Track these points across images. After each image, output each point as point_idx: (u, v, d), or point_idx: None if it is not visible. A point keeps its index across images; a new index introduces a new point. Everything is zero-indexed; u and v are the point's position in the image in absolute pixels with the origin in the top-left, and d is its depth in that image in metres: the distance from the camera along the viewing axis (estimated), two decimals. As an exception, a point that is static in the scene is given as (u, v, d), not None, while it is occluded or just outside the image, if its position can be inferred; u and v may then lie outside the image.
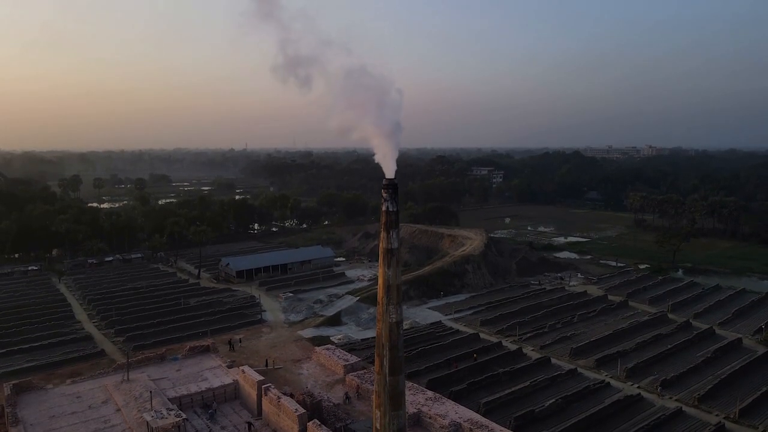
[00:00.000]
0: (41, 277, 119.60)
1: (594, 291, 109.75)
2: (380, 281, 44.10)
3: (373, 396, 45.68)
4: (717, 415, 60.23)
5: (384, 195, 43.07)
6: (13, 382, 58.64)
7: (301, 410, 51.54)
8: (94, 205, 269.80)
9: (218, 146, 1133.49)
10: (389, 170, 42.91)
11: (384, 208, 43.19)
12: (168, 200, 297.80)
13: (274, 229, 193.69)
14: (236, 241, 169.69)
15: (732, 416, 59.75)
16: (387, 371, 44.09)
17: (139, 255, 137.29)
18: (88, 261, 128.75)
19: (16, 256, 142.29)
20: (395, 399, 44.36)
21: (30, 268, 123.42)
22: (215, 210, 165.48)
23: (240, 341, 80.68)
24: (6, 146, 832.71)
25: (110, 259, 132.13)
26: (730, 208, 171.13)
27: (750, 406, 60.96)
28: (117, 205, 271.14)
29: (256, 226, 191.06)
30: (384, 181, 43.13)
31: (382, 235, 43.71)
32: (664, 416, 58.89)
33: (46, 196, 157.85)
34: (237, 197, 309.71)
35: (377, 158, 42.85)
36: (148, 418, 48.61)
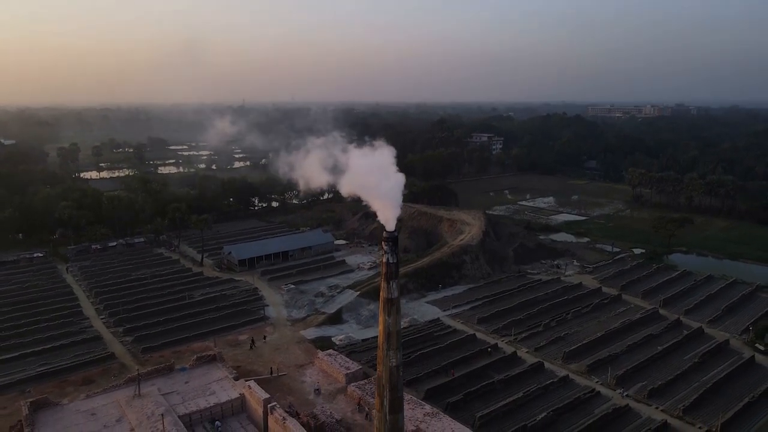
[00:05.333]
0: (47, 265, 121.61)
1: (589, 282, 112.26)
2: (380, 328, 46.07)
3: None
4: (700, 428, 63.46)
5: (384, 247, 44.57)
6: (30, 399, 61.26)
7: (306, 434, 54.43)
8: (94, 174, 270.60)
9: (216, 100, 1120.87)
10: (390, 226, 44.26)
11: (384, 260, 44.77)
12: (167, 166, 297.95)
13: (274, 204, 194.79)
14: (237, 219, 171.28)
15: (714, 429, 62.96)
16: (387, 410, 46.64)
17: (142, 239, 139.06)
18: (92, 246, 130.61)
19: (20, 236, 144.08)
20: (395, 435, 47.10)
21: (35, 255, 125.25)
22: (216, 190, 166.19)
23: (264, 338, 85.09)
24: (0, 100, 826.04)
25: (114, 244, 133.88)
26: (727, 187, 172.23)
27: (731, 420, 64.06)
28: (116, 174, 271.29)
29: (256, 201, 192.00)
30: (384, 234, 44.57)
31: (382, 285, 45.42)
32: (649, 431, 62.07)
33: (46, 176, 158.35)
34: (237, 165, 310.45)
35: (379, 218, 44.33)
36: (162, 446, 51.49)
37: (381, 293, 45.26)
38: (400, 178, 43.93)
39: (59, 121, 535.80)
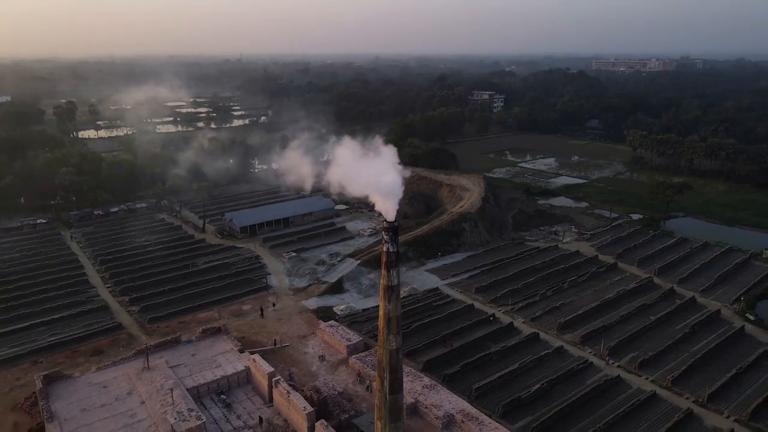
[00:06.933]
0: (51, 232, 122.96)
1: (586, 249, 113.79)
2: (381, 313, 47.53)
3: (375, 409, 50.63)
4: (687, 398, 66.08)
5: (385, 237, 45.55)
6: (43, 373, 63.64)
7: (310, 408, 56.83)
8: (92, 133, 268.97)
9: (212, 53, 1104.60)
10: (390, 217, 45.11)
11: (384, 249, 45.81)
12: (165, 125, 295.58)
13: (274, 166, 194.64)
14: (237, 182, 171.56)
15: (701, 400, 65.62)
16: (387, 391, 48.61)
17: (144, 204, 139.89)
18: (95, 212, 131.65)
19: (22, 200, 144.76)
20: (395, 413, 49.29)
21: (39, 221, 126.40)
22: (216, 154, 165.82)
23: (274, 305, 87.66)
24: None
25: (116, 209, 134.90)
26: (728, 150, 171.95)
27: (718, 390, 66.63)
28: (114, 132, 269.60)
29: (256, 163, 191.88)
30: (385, 224, 45.49)
31: (383, 273, 46.61)
32: (638, 401, 64.74)
33: (45, 139, 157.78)
34: (236, 123, 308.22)
35: (379, 208, 45.07)
36: (172, 421, 53.95)
37: (381, 280, 46.50)
38: (399, 176, 44.37)
39: (54, 75, 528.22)
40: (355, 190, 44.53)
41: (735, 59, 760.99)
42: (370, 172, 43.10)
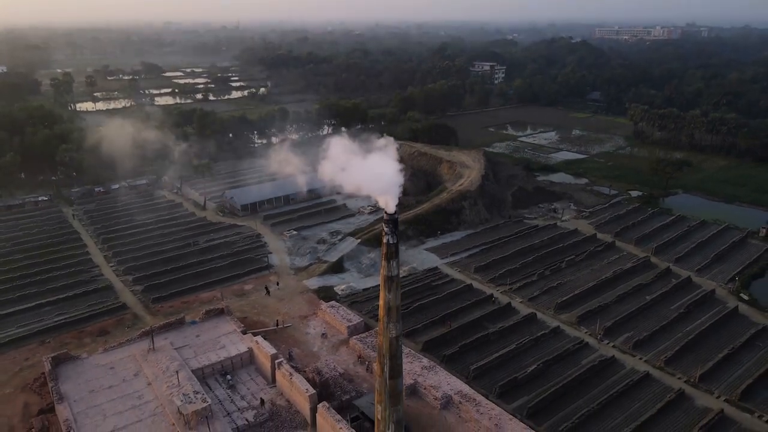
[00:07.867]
0: (52, 209, 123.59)
1: (584, 227, 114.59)
2: (381, 303, 48.56)
3: (375, 393, 52.16)
4: (679, 379, 67.84)
5: (385, 229, 46.23)
6: (51, 355, 65.17)
7: (312, 390, 58.48)
8: (89, 105, 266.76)
9: (209, 20, 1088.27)
10: (390, 209, 45.67)
11: (385, 241, 46.56)
12: (163, 96, 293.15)
13: (274, 140, 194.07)
14: (237, 157, 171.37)
15: (692, 380, 67.39)
16: (387, 376, 50.02)
17: (144, 181, 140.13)
18: (96, 189, 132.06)
19: (22, 176, 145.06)
20: (394, 397, 50.80)
21: (40, 198, 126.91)
22: (215, 128, 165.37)
23: (278, 284, 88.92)
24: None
25: (116, 186, 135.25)
26: (729, 125, 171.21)
27: (710, 371, 68.33)
28: (112, 105, 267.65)
29: (256, 138, 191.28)
30: (385, 216, 46.10)
31: (383, 263, 47.47)
32: (631, 382, 66.49)
33: (44, 114, 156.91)
34: (235, 94, 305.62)
35: (379, 203, 45.57)
36: (178, 403, 55.61)
37: (381, 271, 47.35)
38: (398, 175, 44.70)
39: (49, 43, 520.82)
40: (353, 188, 44.84)
41: (741, 26, 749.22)
42: (367, 172, 43.35)
